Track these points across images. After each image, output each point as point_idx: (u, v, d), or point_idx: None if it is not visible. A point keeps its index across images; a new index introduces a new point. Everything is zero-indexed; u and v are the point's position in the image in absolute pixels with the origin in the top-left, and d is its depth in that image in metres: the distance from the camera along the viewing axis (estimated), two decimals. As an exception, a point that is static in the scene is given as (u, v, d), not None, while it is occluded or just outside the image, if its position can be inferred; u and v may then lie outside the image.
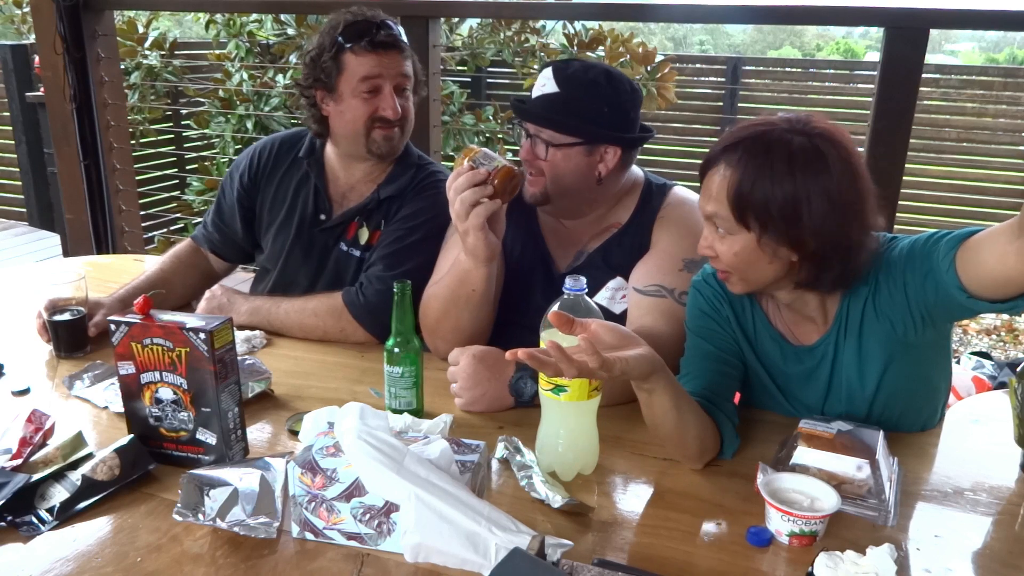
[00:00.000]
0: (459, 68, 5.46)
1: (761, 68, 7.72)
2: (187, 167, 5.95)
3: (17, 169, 6.12)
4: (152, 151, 5.52)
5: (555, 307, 1.16)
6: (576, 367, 1.01)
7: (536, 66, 4.84)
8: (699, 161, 1.28)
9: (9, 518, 1.10)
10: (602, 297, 1.59)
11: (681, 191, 1.66)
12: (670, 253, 1.55)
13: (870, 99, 2.28)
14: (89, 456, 1.20)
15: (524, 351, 1.03)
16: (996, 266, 1.09)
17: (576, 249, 1.65)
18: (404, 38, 1.77)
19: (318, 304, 1.74)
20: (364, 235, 1.83)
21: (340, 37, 1.72)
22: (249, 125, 5.15)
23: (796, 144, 1.16)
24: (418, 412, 1.40)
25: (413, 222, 1.78)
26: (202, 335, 1.16)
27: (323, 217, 1.87)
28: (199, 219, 2.74)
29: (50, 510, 1.12)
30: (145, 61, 4.95)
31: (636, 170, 1.66)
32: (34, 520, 1.10)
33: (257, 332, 1.73)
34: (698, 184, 1.32)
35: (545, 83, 1.53)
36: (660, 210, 1.61)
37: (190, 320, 1.19)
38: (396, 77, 1.74)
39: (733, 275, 1.27)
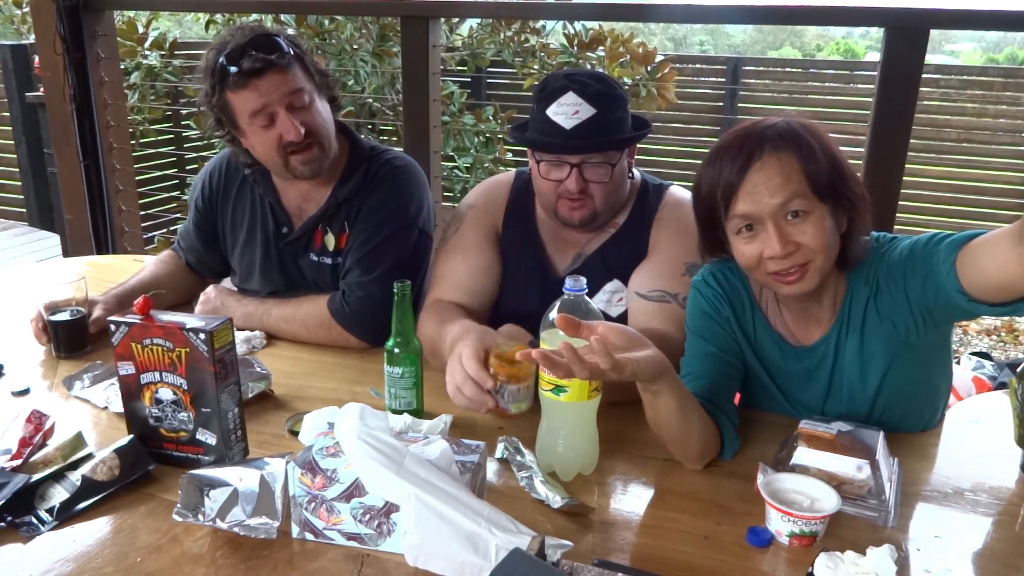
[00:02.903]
0: (459, 68, 5.44)
1: (761, 68, 7.70)
2: (187, 167, 5.94)
3: (17, 169, 6.12)
4: (152, 151, 5.51)
5: (555, 308, 1.16)
6: (588, 368, 1.02)
7: (536, 66, 4.82)
8: (699, 161, 1.28)
9: (9, 518, 1.10)
10: (599, 300, 1.58)
11: (678, 191, 1.65)
12: (671, 257, 1.54)
13: (870, 99, 2.27)
14: (89, 456, 1.21)
15: (538, 352, 1.04)
16: (997, 272, 1.09)
17: (574, 252, 1.64)
18: (283, 47, 1.61)
19: (307, 315, 1.72)
20: (331, 241, 1.78)
21: (213, 78, 1.62)
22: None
23: (794, 124, 1.23)
24: (418, 412, 1.40)
25: (377, 219, 1.74)
26: (202, 335, 1.16)
27: (285, 230, 1.82)
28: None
29: (50, 510, 1.12)
30: (145, 61, 4.93)
31: (632, 170, 1.65)
32: (34, 520, 1.11)
33: (257, 332, 1.73)
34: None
35: (578, 109, 1.46)
36: (658, 211, 1.60)
37: (190, 320, 1.19)
38: (284, 98, 1.60)
39: (815, 261, 1.21)
